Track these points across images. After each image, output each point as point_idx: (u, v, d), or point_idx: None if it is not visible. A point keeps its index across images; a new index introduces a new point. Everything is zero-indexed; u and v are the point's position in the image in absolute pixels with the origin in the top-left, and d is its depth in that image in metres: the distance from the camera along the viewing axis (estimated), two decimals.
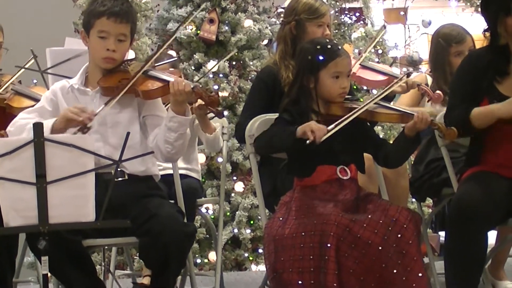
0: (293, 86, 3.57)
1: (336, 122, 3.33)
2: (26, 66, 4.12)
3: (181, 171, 4.20)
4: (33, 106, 3.78)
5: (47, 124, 3.31)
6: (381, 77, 4.68)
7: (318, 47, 3.49)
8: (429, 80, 4.61)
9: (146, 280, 3.81)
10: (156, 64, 3.62)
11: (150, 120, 3.50)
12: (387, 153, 3.55)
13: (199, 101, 3.67)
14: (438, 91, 4.32)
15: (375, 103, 3.49)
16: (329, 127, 3.30)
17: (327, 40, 3.67)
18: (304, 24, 4.24)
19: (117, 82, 3.42)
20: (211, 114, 4.05)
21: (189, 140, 3.59)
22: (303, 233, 3.16)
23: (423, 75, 4.61)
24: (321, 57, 3.45)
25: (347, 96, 3.52)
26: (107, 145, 3.36)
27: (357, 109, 3.41)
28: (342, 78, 3.46)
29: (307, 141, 3.23)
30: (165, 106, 3.61)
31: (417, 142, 3.52)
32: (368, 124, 3.62)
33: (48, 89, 3.98)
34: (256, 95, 4.26)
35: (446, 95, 4.21)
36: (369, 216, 3.19)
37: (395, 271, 3.12)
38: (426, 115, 3.38)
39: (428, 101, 4.42)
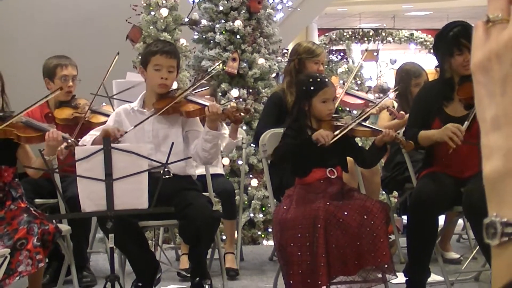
0: (293, 108, 3.56)
1: (338, 131, 3.34)
2: (98, 94, 4.15)
3: (220, 171, 4.38)
4: (106, 121, 3.81)
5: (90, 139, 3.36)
6: (360, 101, 4.68)
7: (311, 80, 3.47)
8: (395, 104, 4.61)
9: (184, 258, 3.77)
10: (195, 92, 3.62)
11: (191, 134, 3.49)
12: (364, 157, 3.55)
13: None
14: (402, 112, 4.32)
15: (357, 123, 3.49)
16: (335, 133, 3.32)
17: (317, 74, 3.64)
18: (304, 61, 4.25)
19: (167, 104, 3.43)
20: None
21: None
22: (301, 218, 3.15)
23: (391, 100, 4.61)
24: (312, 88, 3.43)
25: (333, 115, 3.51)
26: (159, 152, 3.34)
27: (352, 121, 3.44)
28: (329, 102, 3.44)
29: (319, 144, 3.26)
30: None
31: (384, 150, 3.53)
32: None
33: (113, 110, 4.00)
34: (267, 111, 4.32)
35: None
36: (350, 206, 3.18)
37: (366, 248, 3.11)
38: (391, 132, 3.39)
39: (394, 119, 4.42)
